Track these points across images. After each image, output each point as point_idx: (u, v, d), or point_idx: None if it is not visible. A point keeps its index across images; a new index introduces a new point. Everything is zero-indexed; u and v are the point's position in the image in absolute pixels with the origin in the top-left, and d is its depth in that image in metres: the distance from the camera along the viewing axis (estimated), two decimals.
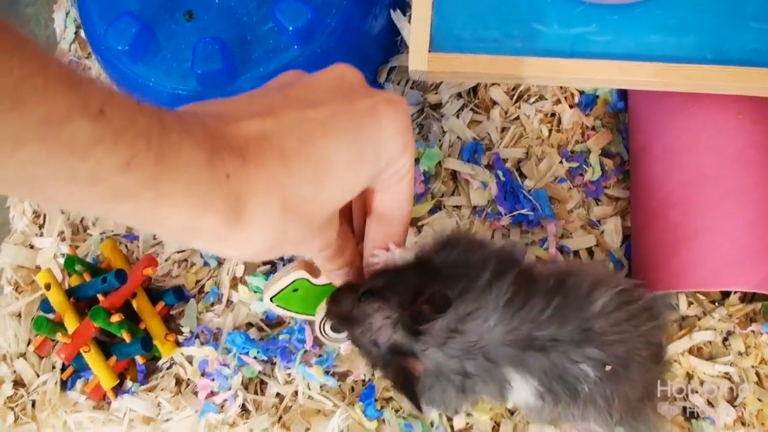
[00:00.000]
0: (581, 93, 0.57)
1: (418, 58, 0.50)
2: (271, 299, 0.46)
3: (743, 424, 0.53)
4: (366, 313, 0.39)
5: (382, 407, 0.54)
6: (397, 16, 0.57)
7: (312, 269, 0.45)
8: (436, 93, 0.57)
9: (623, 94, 0.57)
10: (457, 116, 0.56)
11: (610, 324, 0.41)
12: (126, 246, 0.58)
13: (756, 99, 0.50)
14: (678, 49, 0.49)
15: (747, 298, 0.56)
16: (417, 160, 0.55)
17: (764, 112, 0.52)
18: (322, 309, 0.45)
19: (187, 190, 0.26)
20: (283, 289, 0.45)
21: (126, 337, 0.54)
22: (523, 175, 0.56)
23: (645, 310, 0.44)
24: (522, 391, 0.41)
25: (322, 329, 0.47)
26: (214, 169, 0.27)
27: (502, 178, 0.54)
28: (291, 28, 0.50)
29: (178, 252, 0.57)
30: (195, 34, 0.52)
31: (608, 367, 0.41)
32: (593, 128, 0.57)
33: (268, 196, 0.29)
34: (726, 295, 0.56)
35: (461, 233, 0.42)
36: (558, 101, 0.57)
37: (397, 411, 0.54)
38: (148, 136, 0.25)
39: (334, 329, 0.45)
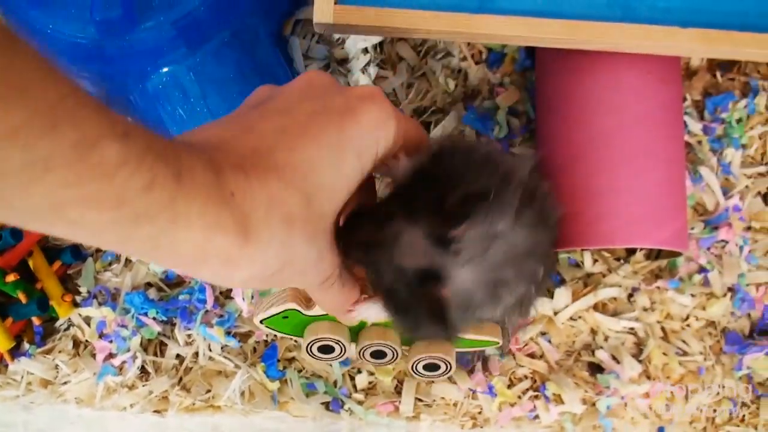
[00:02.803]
0: (489, 50, 0.57)
1: (324, 10, 0.49)
2: (261, 321, 0.46)
3: (648, 377, 0.54)
4: (393, 235, 0.34)
5: (284, 367, 0.53)
6: None
7: (303, 300, 0.45)
8: (343, 48, 0.56)
9: (531, 51, 0.56)
10: (364, 72, 0.55)
11: (553, 237, 0.42)
12: None
13: (665, 58, 0.50)
14: (587, 6, 0.49)
15: (652, 255, 0.56)
16: None
17: (673, 72, 0.52)
18: (310, 332, 0.46)
19: (201, 209, 0.27)
20: (273, 315, 0.45)
21: (22, 297, 0.52)
22: (429, 131, 0.55)
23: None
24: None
25: (310, 350, 0.47)
26: (221, 188, 0.28)
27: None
28: None
29: None
30: None
31: (541, 275, 0.40)
32: (501, 86, 0.56)
33: (271, 210, 0.29)
34: (631, 252, 0.56)
35: (447, 138, 0.40)
36: (464, 58, 0.56)
37: (299, 371, 0.53)
38: (165, 158, 0.25)
39: (351, 254, 0.37)
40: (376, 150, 0.34)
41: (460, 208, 0.34)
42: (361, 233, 0.35)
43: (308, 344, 0.46)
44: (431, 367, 0.48)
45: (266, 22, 0.54)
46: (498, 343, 0.47)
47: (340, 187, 0.33)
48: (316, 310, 0.45)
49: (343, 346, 0.46)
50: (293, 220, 0.30)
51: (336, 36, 0.56)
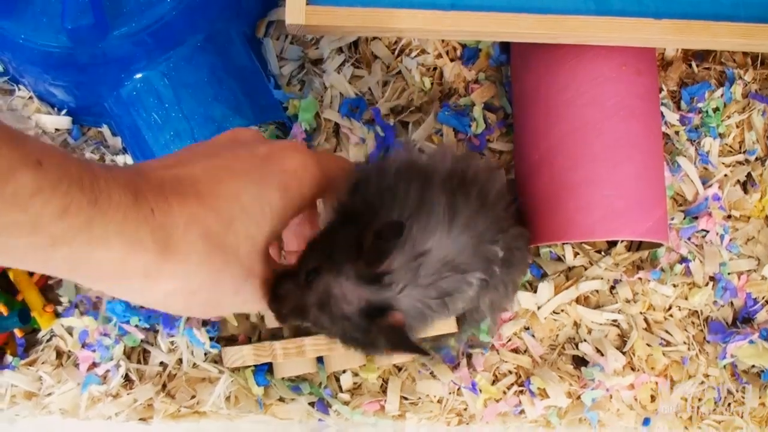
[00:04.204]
0: (463, 46, 0.56)
1: (295, 12, 0.48)
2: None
3: (633, 369, 0.54)
4: (322, 291, 0.35)
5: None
6: None
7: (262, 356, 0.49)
8: (317, 48, 0.56)
9: (505, 46, 0.56)
10: (339, 72, 0.55)
11: (499, 211, 0.42)
12: None
13: (639, 50, 0.51)
14: (560, 0, 0.49)
15: (633, 246, 0.56)
16: (295, 116, 0.54)
17: (648, 63, 0.52)
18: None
19: (119, 230, 0.28)
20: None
21: (3, 310, 0.52)
22: (407, 130, 0.55)
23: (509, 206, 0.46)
24: (476, 285, 0.39)
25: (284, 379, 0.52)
26: (140, 206, 0.28)
27: (381, 134, 0.54)
28: None
29: None
30: None
31: (501, 253, 0.41)
32: (476, 82, 0.56)
33: (190, 227, 0.30)
34: (612, 244, 0.56)
35: (362, 167, 0.40)
36: (439, 55, 0.56)
37: None
38: (81, 183, 0.26)
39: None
40: (300, 189, 0.35)
41: (377, 246, 0.34)
42: (289, 300, 0.36)
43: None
44: None
45: (238, 25, 0.54)
46: (454, 332, 0.48)
47: (263, 215, 0.33)
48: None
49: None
50: (212, 237, 0.31)
51: (310, 36, 0.56)
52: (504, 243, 0.41)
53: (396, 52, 0.56)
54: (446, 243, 0.36)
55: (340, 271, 0.35)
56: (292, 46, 0.56)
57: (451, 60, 0.56)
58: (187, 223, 0.30)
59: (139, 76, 0.51)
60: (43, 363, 0.54)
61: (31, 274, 0.54)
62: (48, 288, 0.55)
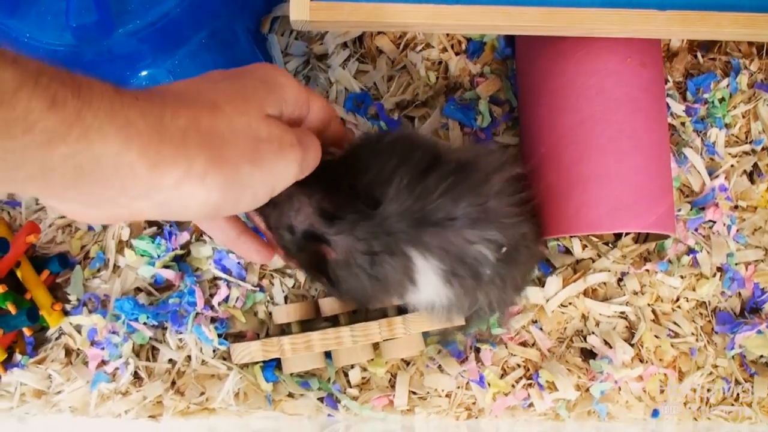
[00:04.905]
0: (468, 40, 0.56)
1: (300, 7, 0.48)
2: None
3: (641, 361, 0.54)
4: (287, 197, 0.39)
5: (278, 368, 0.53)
6: None
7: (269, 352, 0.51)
8: (322, 43, 0.56)
9: (510, 40, 0.56)
10: (344, 67, 0.55)
11: (504, 205, 0.43)
12: (8, 213, 0.56)
13: (644, 42, 0.50)
14: None
15: (640, 238, 0.56)
16: None
17: (653, 55, 0.52)
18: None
19: (109, 117, 0.27)
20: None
21: (11, 308, 0.52)
22: (413, 125, 0.55)
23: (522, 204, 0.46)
24: (426, 271, 0.41)
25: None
26: (122, 95, 0.28)
27: (385, 129, 0.54)
28: None
29: (61, 217, 0.55)
30: None
31: (504, 249, 0.42)
32: (482, 75, 0.56)
33: (177, 117, 0.30)
34: (619, 236, 0.56)
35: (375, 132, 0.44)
36: (444, 49, 0.56)
37: None
38: (60, 78, 0.26)
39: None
40: (281, 86, 0.36)
41: (349, 197, 0.39)
42: None
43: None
44: None
45: (243, 21, 0.54)
46: (462, 326, 0.50)
47: (248, 96, 0.34)
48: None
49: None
50: (200, 124, 0.31)
51: (315, 31, 0.56)
52: (506, 241, 0.42)
53: (401, 47, 0.56)
54: (388, 209, 0.40)
55: (308, 192, 0.40)
56: (297, 42, 0.56)
57: (456, 54, 0.56)
58: (173, 108, 0.30)
59: (144, 73, 0.51)
60: (52, 361, 0.54)
61: (38, 272, 0.54)
62: (56, 286, 0.55)
